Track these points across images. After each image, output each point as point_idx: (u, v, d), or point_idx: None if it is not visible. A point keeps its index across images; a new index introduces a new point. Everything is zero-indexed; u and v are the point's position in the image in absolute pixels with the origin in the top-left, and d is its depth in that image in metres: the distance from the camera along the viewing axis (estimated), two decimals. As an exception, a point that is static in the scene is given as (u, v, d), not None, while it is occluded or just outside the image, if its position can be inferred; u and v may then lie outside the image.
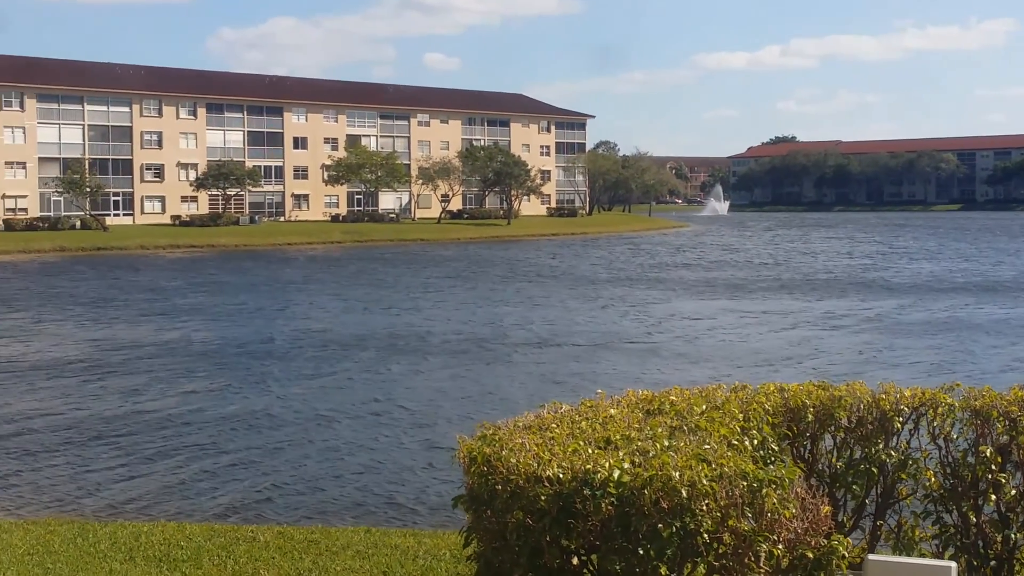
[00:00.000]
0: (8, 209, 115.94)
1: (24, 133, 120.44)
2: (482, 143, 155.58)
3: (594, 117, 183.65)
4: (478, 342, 37.77)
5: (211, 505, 17.62)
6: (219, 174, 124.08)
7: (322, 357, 34.53)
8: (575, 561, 6.24)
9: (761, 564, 6.04)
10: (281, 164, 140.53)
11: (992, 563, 8.46)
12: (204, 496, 18.26)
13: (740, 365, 31.70)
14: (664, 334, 39.89)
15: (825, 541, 6.10)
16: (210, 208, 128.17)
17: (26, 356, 35.21)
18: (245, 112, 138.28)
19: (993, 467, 8.37)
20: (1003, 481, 8.40)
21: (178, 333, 40.90)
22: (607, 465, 6.07)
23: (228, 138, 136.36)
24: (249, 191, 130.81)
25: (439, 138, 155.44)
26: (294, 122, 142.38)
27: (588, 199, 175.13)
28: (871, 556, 6.87)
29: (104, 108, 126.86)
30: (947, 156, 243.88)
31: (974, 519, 8.48)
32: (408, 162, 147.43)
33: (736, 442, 7.15)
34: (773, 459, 7.61)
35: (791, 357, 33.94)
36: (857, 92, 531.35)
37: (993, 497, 8.44)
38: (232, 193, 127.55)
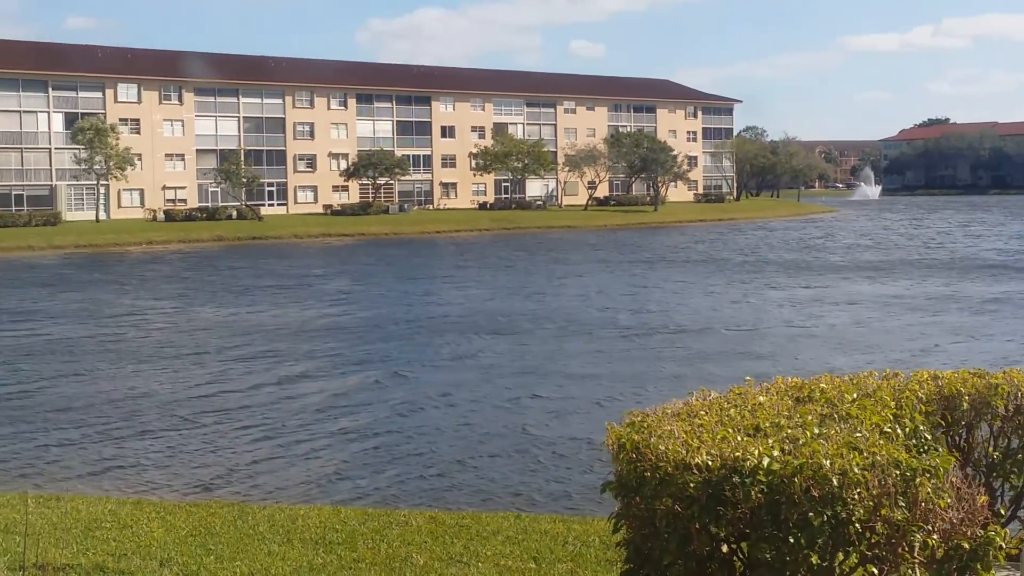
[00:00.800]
0: (168, 200, 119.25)
1: (183, 126, 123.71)
2: (628, 129, 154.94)
3: (741, 102, 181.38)
4: (630, 327, 37.73)
5: (362, 489, 17.94)
6: (369, 164, 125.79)
7: (466, 341, 34.84)
8: (724, 549, 6.24)
9: (915, 554, 5.96)
10: (429, 153, 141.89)
11: None
12: (356, 480, 18.59)
13: (891, 352, 31.12)
14: (812, 320, 39.32)
15: (982, 532, 5.99)
16: (360, 197, 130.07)
17: (177, 341, 36.24)
18: (394, 102, 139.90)
19: None
20: None
21: (326, 319, 41.67)
22: (756, 453, 6.05)
23: (377, 128, 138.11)
24: (398, 180, 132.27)
25: (585, 125, 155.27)
26: (442, 111, 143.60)
27: (735, 185, 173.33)
28: (1029, 547, 6.74)
29: (258, 100, 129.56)
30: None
31: None
32: (554, 149, 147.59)
33: (888, 430, 7.05)
34: (926, 448, 7.49)
35: (944, 344, 33.19)
36: (1013, 72, 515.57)
37: None
38: (382, 182, 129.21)
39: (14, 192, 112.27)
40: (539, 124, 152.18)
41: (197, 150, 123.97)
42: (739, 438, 6.36)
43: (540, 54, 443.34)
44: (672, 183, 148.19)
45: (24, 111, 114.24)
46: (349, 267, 70.27)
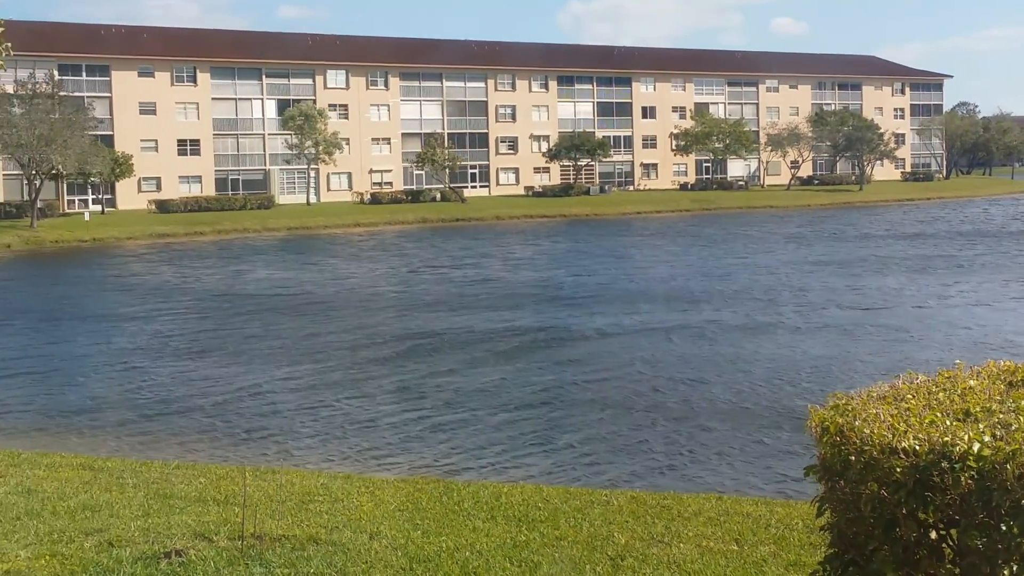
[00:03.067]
0: (375, 183, 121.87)
1: (388, 110, 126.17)
2: (832, 107, 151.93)
3: (951, 77, 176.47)
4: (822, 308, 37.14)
5: (560, 468, 18.10)
6: (570, 145, 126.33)
7: (667, 324, 34.80)
8: (933, 535, 6.11)
9: None
10: (630, 134, 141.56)
11: None
12: (551, 459, 18.77)
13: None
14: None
15: None
16: (561, 179, 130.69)
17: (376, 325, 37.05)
18: (594, 83, 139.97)
19: None
20: None
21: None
22: (966, 438, 5.91)
23: (578, 109, 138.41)
24: (599, 161, 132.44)
25: (788, 104, 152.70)
26: (642, 92, 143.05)
27: (945, 163, 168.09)
28: None
29: (461, 84, 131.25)
30: None
31: None
32: (756, 129, 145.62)
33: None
34: None
35: None
36: None
37: None
38: (583, 164, 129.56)
39: (231, 177, 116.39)
40: (740, 103, 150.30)
41: (402, 134, 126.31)
42: (948, 422, 6.22)
43: (741, 33, 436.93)
44: (878, 162, 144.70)
45: (239, 98, 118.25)
46: (550, 245, 70.70)
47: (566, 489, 14.20)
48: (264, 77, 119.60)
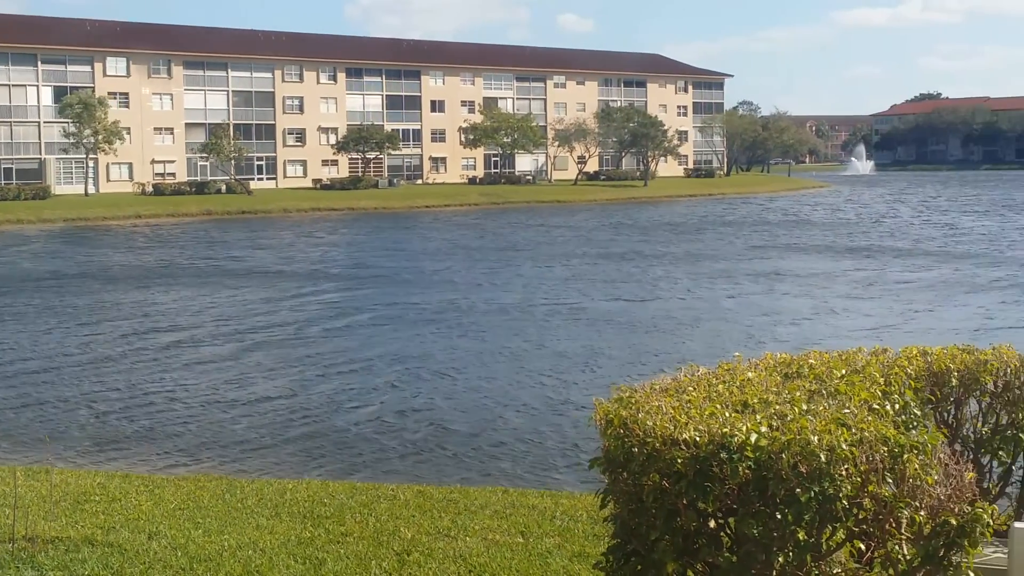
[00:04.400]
0: (157, 174, 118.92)
1: (171, 100, 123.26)
2: (618, 104, 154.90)
3: (732, 76, 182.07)
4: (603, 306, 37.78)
5: (351, 463, 17.94)
6: (359, 138, 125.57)
7: (452, 320, 34.88)
8: (712, 524, 6.22)
9: (902, 531, 5.95)
10: (419, 127, 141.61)
11: None
12: (345, 454, 18.59)
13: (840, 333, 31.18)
14: (787, 298, 39.41)
15: (969, 508, 5.98)
16: (350, 172, 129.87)
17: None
18: (383, 76, 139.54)
19: None
20: None
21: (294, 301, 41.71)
22: (744, 429, 6.03)
23: (367, 102, 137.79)
24: (388, 154, 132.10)
25: (575, 100, 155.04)
26: (431, 85, 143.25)
27: (726, 160, 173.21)
28: (1017, 524, 6.73)
29: (247, 74, 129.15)
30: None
31: None
32: (544, 124, 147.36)
33: (877, 407, 7.03)
34: (915, 424, 7.47)
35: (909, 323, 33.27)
36: (1004, 47, 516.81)
37: None
38: (371, 157, 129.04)
39: (3, 165, 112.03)
40: (529, 99, 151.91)
41: (186, 124, 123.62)
42: (727, 414, 6.33)
43: (528, 28, 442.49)
44: (662, 158, 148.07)
45: (13, 85, 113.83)
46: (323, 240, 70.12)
47: (352, 484, 14.05)
48: (40, 63, 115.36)
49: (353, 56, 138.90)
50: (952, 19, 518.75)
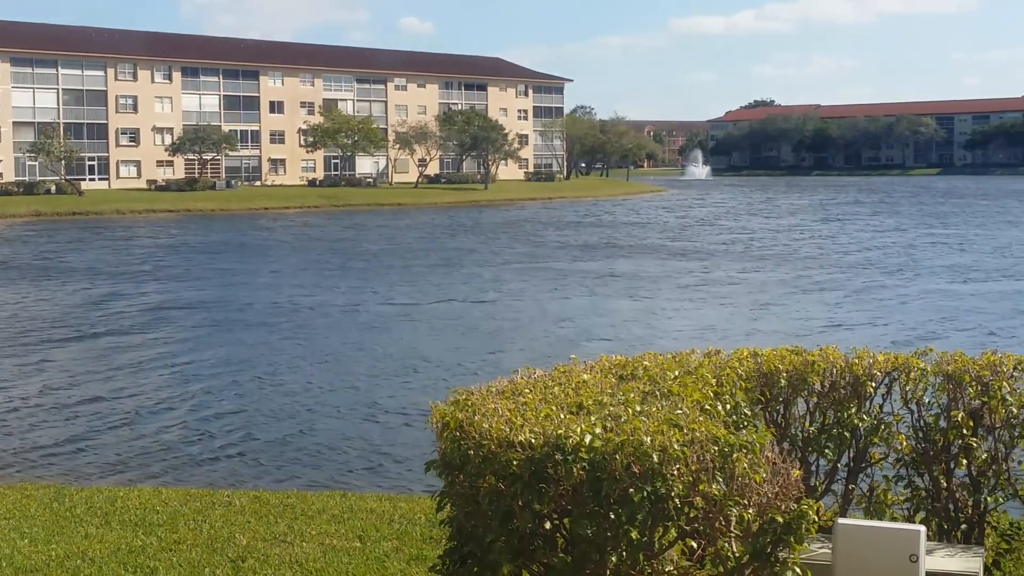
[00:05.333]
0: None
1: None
2: (459, 107, 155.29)
3: (572, 81, 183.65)
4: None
5: (185, 470, 17.60)
6: (195, 138, 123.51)
7: (289, 323, 34.54)
8: (547, 525, 6.26)
9: (731, 528, 6.06)
10: (258, 128, 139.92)
11: (963, 527, 8.52)
12: (177, 460, 18.23)
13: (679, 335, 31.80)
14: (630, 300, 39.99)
15: (795, 505, 6.12)
16: (186, 173, 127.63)
17: None
18: (221, 76, 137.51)
19: (965, 431, 8.41)
20: (974, 445, 8.45)
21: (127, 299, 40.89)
22: (579, 430, 6.07)
23: (204, 102, 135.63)
24: (226, 155, 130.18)
25: (416, 102, 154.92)
26: (270, 86, 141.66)
27: (566, 164, 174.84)
28: (841, 520, 6.92)
29: (79, 72, 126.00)
30: (925, 120, 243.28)
31: (945, 483, 8.53)
32: (385, 126, 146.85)
33: (709, 407, 7.16)
34: (745, 424, 7.63)
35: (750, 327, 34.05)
36: (834, 56, 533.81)
37: (964, 461, 8.49)
38: (208, 158, 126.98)
39: None
40: (369, 101, 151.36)
41: (14, 123, 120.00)
42: (562, 416, 6.38)
43: (369, 30, 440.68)
44: (503, 161, 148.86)
45: None
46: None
47: (187, 491, 13.79)
48: None
49: (189, 55, 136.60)
50: (784, 28, 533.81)
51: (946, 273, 46.95)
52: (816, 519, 6.19)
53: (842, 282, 44.07)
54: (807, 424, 8.73)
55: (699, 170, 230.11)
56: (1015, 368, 8.55)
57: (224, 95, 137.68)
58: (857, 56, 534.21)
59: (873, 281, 44.32)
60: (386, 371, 26.29)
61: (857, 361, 8.71)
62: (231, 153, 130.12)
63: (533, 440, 6.09)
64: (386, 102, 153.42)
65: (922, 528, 6.68)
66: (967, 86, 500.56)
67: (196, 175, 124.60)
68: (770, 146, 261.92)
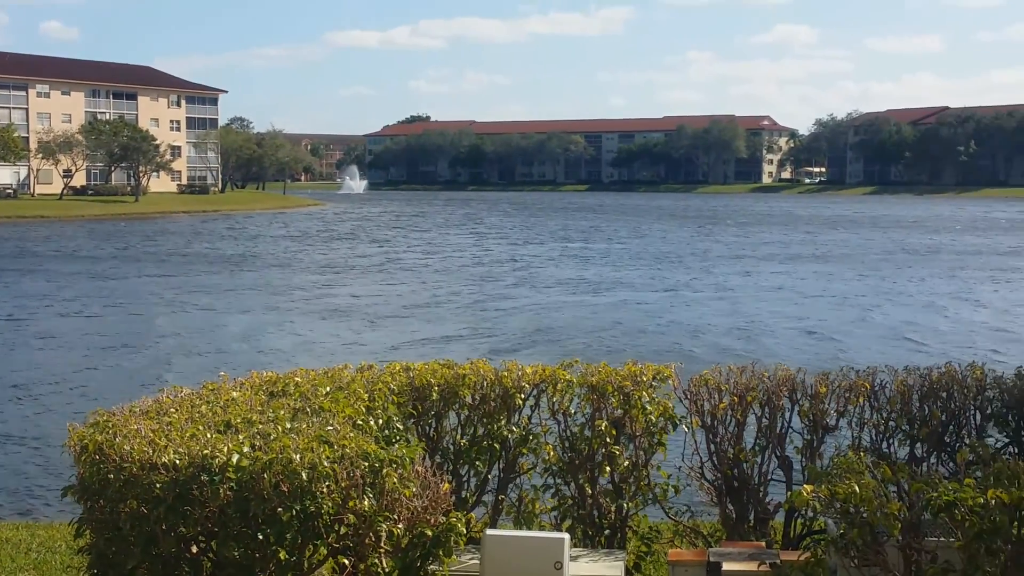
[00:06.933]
0: None
1: None
2: (108, 116, 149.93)
3: (227, 92, 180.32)
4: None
5: None
6: None
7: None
8: (193, 549, 6.07)
9: (382, 544, 6.05)
10: None
11: (606, 532, 8.82)
12: None
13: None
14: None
15: (444, 518, 6.17)
16: None
17: None
18: None
19: (608, 440, 8.72)
20: (617, 453, 8.77)
21: None
22: (226, 449, 5.93)
23: None
24: None
25: (60, 110, 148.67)
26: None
27: (221, 176, 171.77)
28: (489, 531, 7.01)
29: None
30: (575, 138, 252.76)
31: (590, 490, 8.81)
32: (26, 135, 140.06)
33: (361, 422, 7.15)
34: (397, 438, 7.65)
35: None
36: (487, 73, 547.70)
37: (608, 469, 8.80)
38: None
39: None
40: (9, 108, 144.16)
41: None
42: (209, 435, 6.21)
43: (8, 33, 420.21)
44: (155, 173, 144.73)
45: None
46: None
47: None
48: None
49: None
50: (438, 44, 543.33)
51: (560, 286, 48.18)
52: (465, 531, 6.26)
53: (445, 299, 44.37)
54: (458, 437, 8.84)
55: (356, 184, 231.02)
56: (655, 378, 8.94)
57: None
58: (510, 74, 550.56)
59: (489, 293, 45.36)
60: (10, 394, 24.99)
61: (507, 374, 8.88)
62: None
63: (178, 461, 5.91)
64: (27, 109, 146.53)
65: (566, 536, 6.85)
66: (614, 106, 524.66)
67: None
68: (427, 161, 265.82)
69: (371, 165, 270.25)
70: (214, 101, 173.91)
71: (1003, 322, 37.12)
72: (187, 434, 6.24)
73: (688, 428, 9.06)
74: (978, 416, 9.10)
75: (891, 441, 9.06)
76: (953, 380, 9.11)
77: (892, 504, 5.90)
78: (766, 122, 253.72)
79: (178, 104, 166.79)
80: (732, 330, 34.81)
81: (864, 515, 5.93)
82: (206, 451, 5.96)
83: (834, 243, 76.19)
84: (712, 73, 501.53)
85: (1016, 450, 8.89)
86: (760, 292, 45.67)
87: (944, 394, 9.06)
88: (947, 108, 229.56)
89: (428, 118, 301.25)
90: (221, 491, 5.80)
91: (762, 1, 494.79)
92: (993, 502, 5.72)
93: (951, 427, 9.04)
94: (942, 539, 5.98)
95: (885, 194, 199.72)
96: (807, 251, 68.63)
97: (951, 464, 8.73)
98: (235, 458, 5.88)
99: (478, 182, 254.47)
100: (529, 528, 8.63)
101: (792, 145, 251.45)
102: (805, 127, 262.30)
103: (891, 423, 9.06)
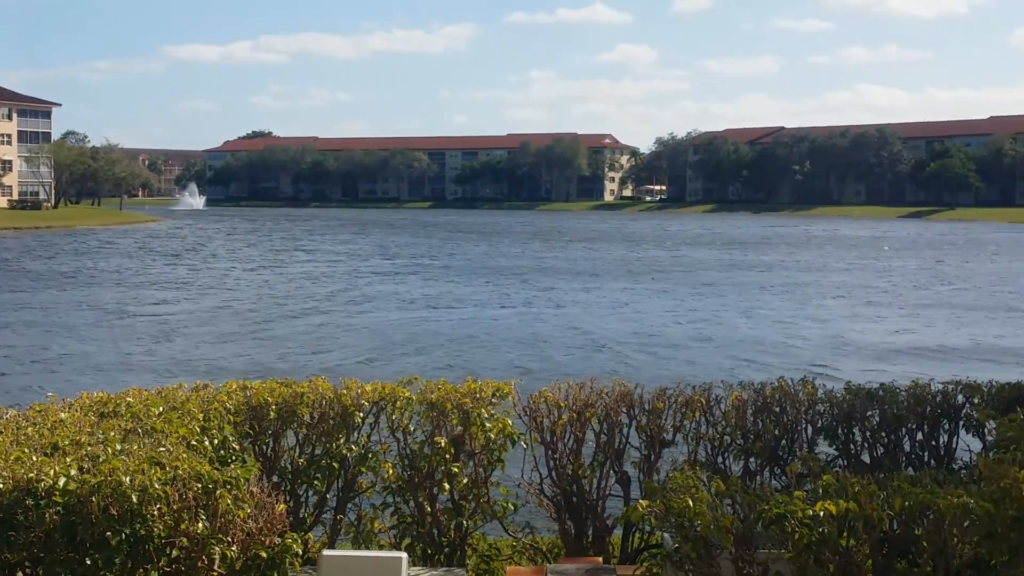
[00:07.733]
0: None
1: None
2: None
3: (60, 106, 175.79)
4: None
5: None
6: None
7: None
8: (20, 575, 5.89)
9: (215, 567, 5.94)
10: None
11: (446, 550, 8.81)
12: None
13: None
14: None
15: (280, 540, 6.09)
16: None
17: None
18: None
19: (447, 457, 8.72)
20: (456, 471, 8.77)
21: None
22: (52, 472, 5.77)
23: None
24: None
25: None
26: None
27: (54, 192, 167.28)
28: (326, 552, 6.96)
29: None
30: (419, 155, 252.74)
31: (429, 508, 8.79)
32: None
33: (195, 443, 7.03)
34: (233, 458, 7.54)
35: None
36: (329, 89, 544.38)
37: (447, 486, 8.79)
38: None
39: None
40: None
41: None
42: (35, 458, 6.03)
43: None
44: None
45: None
46: None
47: None
48: None
49: None
50: (280, 59, 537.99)
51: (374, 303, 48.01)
52: (301, 552, 6.19)
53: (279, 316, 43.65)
54: (296, 456, 8.75)
55: (195, 200, 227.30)
56: (494, 395, 8.97)
57: None
58: (353, 91, 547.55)
59: (293, 310, 45.02)
60: None
61: (345, 392, 8.83)
62: None
63: (1, 485, 5.72)
64: None
65: (404, 555, 6.83)
66: (457, 123, 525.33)
67: None
68: (269, 177, 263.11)
69: (211, 181, 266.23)
70: (47, 115, 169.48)
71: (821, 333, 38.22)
72: (11, 457, 6.06)
73: (527, 445, 9.11)
74: (809, 430, 9.35)
75: (726, 455, 9.25)
76: (786, 395, 9.34)
77: (725, 517, 6.02)
78: (608, 140, 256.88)
79: (8, 117, 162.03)
80: (572, 348, 35.09)
81: (698, 529, 6.04)
82: (31, 474, 5.79)
83: (666, 260, 77.30)
84: (555, 92, 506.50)
85: (845, 462, 9.15)
86: (599, 308, 46.16)
87: (777, 408, 9.29)
88: (783, 128, 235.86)
89: (271, 134, 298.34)
90: (47, 515, 5.64)
91: (603, 22, 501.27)
92: (822, 514, 5.87)
93: (784, 441, 9.26)
94: (774, 551, 6.11)
95: (723, 212, 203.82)
96: (619, 270, 69.05)
97: (784, 477, 8.93)
98: (62, 481, 5.73)
99: (321, 199, 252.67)
100: (368, 547, 8.58)
101: (633, 163, 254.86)
102: (646, 146, 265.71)
103: (726, 437, 9.25)
